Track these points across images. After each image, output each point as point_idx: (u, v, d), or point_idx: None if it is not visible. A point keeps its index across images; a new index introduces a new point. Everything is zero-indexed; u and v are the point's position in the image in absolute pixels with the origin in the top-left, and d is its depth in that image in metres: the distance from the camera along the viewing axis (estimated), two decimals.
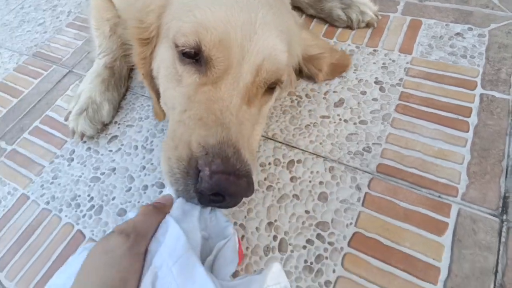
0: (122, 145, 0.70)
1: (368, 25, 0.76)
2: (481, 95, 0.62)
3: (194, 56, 0.46)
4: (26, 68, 0.92)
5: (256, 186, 0.54)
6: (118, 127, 0.73)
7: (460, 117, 0.60)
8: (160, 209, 0.38)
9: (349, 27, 0.78)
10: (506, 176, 0.53)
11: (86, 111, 0.69)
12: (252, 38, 0.45)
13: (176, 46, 0.47)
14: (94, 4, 0.80)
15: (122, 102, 0.77)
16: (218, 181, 0.37)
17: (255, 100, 0.49)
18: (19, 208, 0.64)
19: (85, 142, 0.71)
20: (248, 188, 0.40)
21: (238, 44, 0.45)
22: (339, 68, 0.69)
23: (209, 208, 0.42)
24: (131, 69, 0.79)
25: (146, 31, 0.54)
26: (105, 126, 0.72)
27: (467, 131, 0.58)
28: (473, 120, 0.60)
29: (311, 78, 0.70)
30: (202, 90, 0.45)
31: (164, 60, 0.52)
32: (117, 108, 0.75)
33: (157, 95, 0.58)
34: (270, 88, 0.52)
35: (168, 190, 0.43)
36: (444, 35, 0.73)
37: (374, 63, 0.72)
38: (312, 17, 0.84)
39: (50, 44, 0.98)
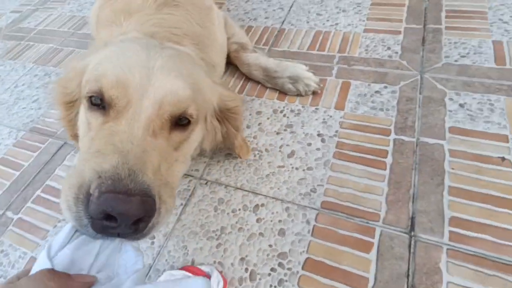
0: None
1: (313, 92, 0.97)
2: (394, 139, 0.83)
3: (100, 104, 0.52)
4: (25, 143, 1.06)
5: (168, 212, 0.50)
6: None
7: (380, 158, 0.79)
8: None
9: (298, 94, 0.98)
10: (412, 201, 0.71)
11: None
12: (150, 78, 0.51)
13: (85, 97, 0.54)
14: None
15: None
16: (106, 200, 0.36)
17: (162, 132, 0.51)
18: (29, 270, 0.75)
19: None
20: (142, 207, 0.39)
21: (137, 83, 0.50)
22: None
23: (115, 244, 0.41)
24: None
25: (69, 95, 0.62)
26: None
27: (385, 169, 0.77)
28: (389, 160, 0.79)
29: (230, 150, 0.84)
30: (103, 127, 0.50)
31: (81, 116, 0.58)
32: None
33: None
34: (182, 125, 0.55)
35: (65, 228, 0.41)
36: (367, 93, 0.95)
37: (316, 119, 0.92)
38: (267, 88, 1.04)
39: (45, 119, 1.13)
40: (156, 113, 0.50)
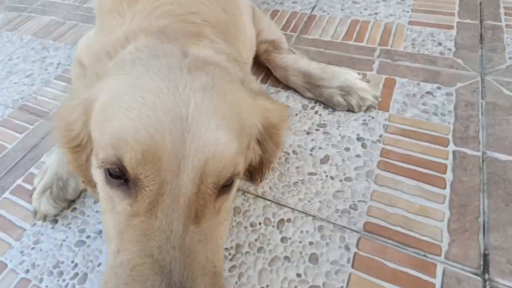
0: None
1: (368, 108, 0.77)
2: (454, 151, 0.67)
3: (121, 176, 0.38)
4: (11, 122, 0.91)
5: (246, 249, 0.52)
6: None
7: (437, 174, 0.64)
8: None
9: (350, 110, 0.78)
10: (483, 233, 0.56)
11: (50, 189, 0.66)
12: (186, 139, 0.36)
13: (100, 167, 0.40)
14: (72, 71, 0.82)
15: None
16: None
17: (206, 211, 0.39)
18: None
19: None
20: None
21: (169, 152, 0.36)
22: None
23: None
24: None
25: (75, 139, 0.48)
26: (71, 202, 0.69)
27: (444, 188, 0.62)
28: (449, 176, 0.64)
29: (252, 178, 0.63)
30: (134, 223, 0.37)
31: (96, 175, 0.45)
32: None
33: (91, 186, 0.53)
34: (226, 186, 0.42)
35: None
36: (417, 93, 0.80)
37: (355, 119, 0.76)
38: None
39: (37, 97, 0.98)
40: (197, 189, 0.37)
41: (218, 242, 0.42)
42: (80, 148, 0.49)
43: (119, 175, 0.38)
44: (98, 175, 0.44)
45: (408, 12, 1.05)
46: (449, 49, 0.90)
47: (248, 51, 0.78)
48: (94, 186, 0.49)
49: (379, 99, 0.78)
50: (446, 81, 0.82)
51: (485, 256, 0.53)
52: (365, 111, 0.77)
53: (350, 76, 0.78)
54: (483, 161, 0.65)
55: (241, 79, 0.52)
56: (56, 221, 0.68)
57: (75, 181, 0.68)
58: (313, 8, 1.14)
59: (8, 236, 0.67)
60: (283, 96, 0.85)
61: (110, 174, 0.39)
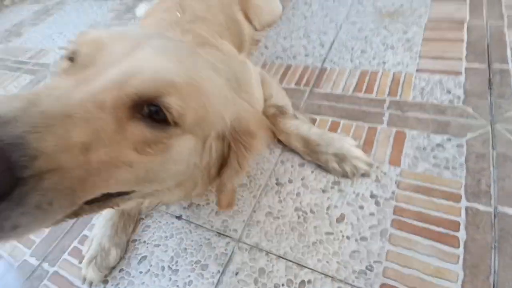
0: (151, 265, 0.78)
1: (363, 175, 0.81)
2: (466, 208, 0.70)
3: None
4: None
5: None
6: (147, 247, 0.82)
7: (451, 232, 0.67)
8: None
9: (344, 175, 0.82)
10: None
11: (95, 259, 0.78)
12: (133, 51, 0.41)
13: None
14: None
15: (149, 220, 0.88)
16: None
17: (119, 115, 0.38)
18: None
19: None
20: None
21: (113, 49, 0.41)
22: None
23: None
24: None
25: None
26: (112, 269, 0.80)
27: (458, 247, 0.65)
28: (462, 234, 0.67)
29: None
30: (55, 79, 0.40)
31: None
32: (125, 249, 0.83)
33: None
34: (155, 120, 0.40)
35: None
36: (427, 146, 0.84)
37: (368, 176, 0.82)
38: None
39: None
40: (119, 86, 0.37)
41: (116, 169, 0.37)
42: None
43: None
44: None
45: (415, 59, 1.10)
46: (458, 97, 0.94)
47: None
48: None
49: (373, 167, 0.82)
50: (456, 132, 0.85)
51: None
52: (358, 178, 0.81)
53: (345, 144, 0.83)
54: (495, 217, 0.68)
55: (227, 78, 0.53)
56: (107, 281, 0.78)
57: (116, 249, 0.80)
58: (324, 60, 1.22)
59: None
60: (291, 153, 0.92)
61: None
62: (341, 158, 0.81)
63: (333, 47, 1.27)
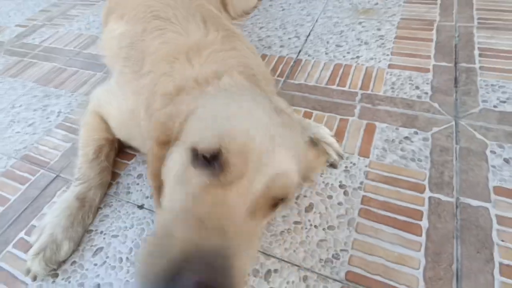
0: (107, 257, 0.73)
1: (331, 165, 0.81)
2: (430, 198, 0.72)
3: (209, 160, 0.47)
4: (14, 173, 0.96)
5: None
6: (104, 238, 0.76)
7: (414, 221, 0.68)
8: None
9: None
10: (457, 281, 0.59)
11: (44, 252, 0.70)
12: (269, 154, 0.47)
13: (193, 149, 0.48)
14: (85, 121, 0.88)
15: (108, 209, 0.82)
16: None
17: (258, 214, 0.48)
18: None
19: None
20: None
21: (257, 155, 0.46)
22: None
23: None
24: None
25: (169, 134, 0.56)
26: (62, 263, 0.73)
27: (421, 235, 0.66)
28: (424, 223, 0.68)
29: None
30: (210, 191, 0.45)
31: (176, 162, 0.53)
32: (78, 243, 0.75)
33: (158, 191, 0.59)
34: (273, 205, 0.50)
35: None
36: (396, 138, 0.85)
37: (336, 167, 0.81)
38: None
39: (39, 146, 1.03)
40: (263, 192, 0.46)
41: (252, 252, 0.49)
42: (167, 143, 0.57)
43: (207, 160, 0.47)
44: (177, 158, 0.52)
45: (388, 55, 1.12)
46: (426, 93, 0.96)
47: None
48: (156, 178, 0.58)
49: (343, 158, 0.82)
50: (423, 126, 0.87)
51: None
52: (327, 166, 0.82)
53: (321, 130, 0.84)
54: (456, 207, 0.69)
55: (300, 128, 0.62)
56: (56, 275, 0.71)
57: (69, 243, 0.73)
58: (299, 52, 1.21)
59: None
60: None
61: (196, 157, 0.48)
62: (314, 143, 0.81)
63: (309, 40, 1.26)
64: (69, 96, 1.22)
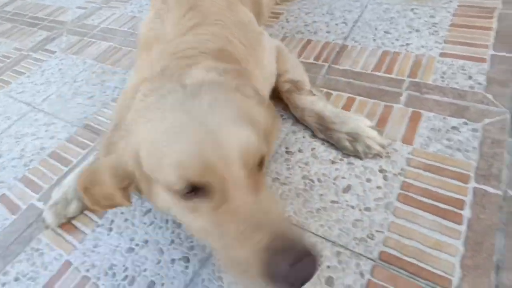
0: (155, 218, 0.80)
1: (374, 156, 0.80)
2: (474, 189, 0.70)
3: (192, 191, 0.48)
4: (76, 139, 1.08)
5: None
6: None
7: (455, 210, 0.67)
8: None
9: (356, 156, 0.81)
10: (496, 272, 0.58)
11: (56, 206, 0.81)
12: (221, 144, 0.47)
13: (176, 191, 0.49)
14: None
15: None
16: (301, 268, 0.40)
17: (259, 184, 0.50)
18: (63, 274, 0.74)
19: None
20: (318, 257, 0.42)
21: (216, 158, 0.46)
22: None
23: None
24: None
25: (126, 181, 0.56)
26: (71, 219, 0.83)
27: (461, 224, 0.65)
28: (466, 213, 0.66)
29: None
30: (219, 212, 0.47)
31: (167, 201, 0.53)
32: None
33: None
34: (259, 165, 0.52)
35: None
36: (442, 128, 0.83)
37: (381, 157, 0.81)
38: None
39: (97, 117, 1.14)
40: (244, 172, 0.48)
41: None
42: (129, 185, 0.57)
43: (190, 190, 0.48)
44: (166, 198, 0.52)
45: (440, 43, 1.07)
46: (480, 83, 0.91)
47: (263, 81, 0.83)
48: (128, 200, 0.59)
49: (387, 149, 0.80)
50: (474, 117, 0.83)
51: None
52: (370, 158, 0.80)
53: (361, 123, 0.81)
54: (504, 200, 0.67)
55: (235, 86, 0.60)
56: (111, 229, 0.80)
57: (77, 203, 0.83)
58: (346, 38, 1.20)
59: (73, 238, 0.80)
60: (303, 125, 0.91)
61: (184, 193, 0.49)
62: (354, 137, 0.80)
63: (357, 26, 1.24)
64: (123, 73, 1.32)
